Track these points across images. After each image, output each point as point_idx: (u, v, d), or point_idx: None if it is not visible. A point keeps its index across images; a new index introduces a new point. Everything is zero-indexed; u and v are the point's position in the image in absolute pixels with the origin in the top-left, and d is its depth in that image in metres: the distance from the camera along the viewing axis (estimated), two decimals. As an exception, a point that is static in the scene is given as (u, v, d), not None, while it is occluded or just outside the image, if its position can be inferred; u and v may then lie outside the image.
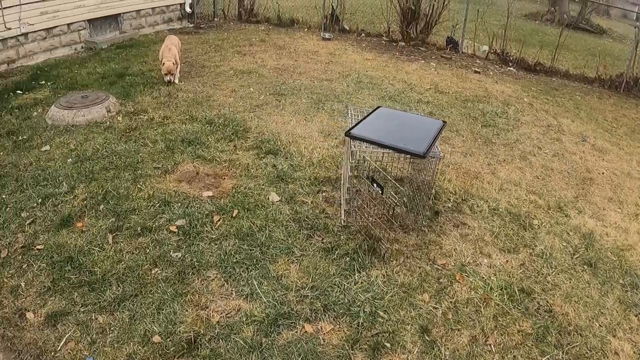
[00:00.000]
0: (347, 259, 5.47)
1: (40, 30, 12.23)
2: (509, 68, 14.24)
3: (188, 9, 16.05)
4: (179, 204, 6.14)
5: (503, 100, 11.03)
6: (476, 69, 13.45)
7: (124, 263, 5.28)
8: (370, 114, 6.03)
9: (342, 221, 5.91)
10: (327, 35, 14.98)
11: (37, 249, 5.51)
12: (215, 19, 16.91)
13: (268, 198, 6.42)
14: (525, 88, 12.35)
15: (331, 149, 7.78)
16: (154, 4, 15.30)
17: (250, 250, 5.53)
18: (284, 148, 7.57)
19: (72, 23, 13.04)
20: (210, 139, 7.75)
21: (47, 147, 7.54)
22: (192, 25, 15.95)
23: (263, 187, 6.59)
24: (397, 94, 10.25)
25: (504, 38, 14.72)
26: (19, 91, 9.78)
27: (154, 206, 6.08)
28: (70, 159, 7.19)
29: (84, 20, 13.32)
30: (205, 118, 8.37)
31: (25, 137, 7.94)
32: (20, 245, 5.58)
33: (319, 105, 9.29)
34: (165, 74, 9.84)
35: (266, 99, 9.38)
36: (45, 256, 5.41)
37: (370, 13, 16.64)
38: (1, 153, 7.45)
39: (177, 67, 10.01)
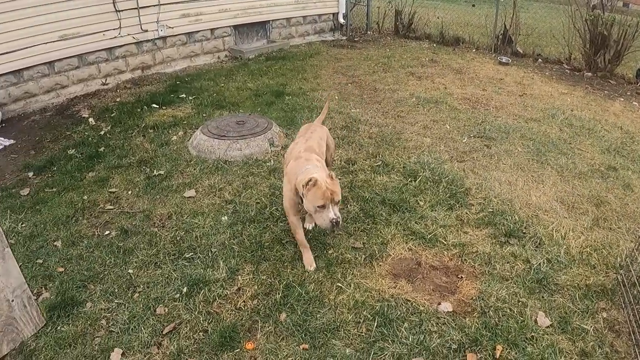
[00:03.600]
0: None
1: (181, 34, 10.71)
2: None
3: (342, 20, 14.21)
4: (407, 324, 3.91)
5: None
6: (683, 112, 10.53)
7: None
8: None
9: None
10: (504, 59, 12.58)
11: None
12: (369, 32, 14.89)
13: (535, 320, 4.03)
14: None
15: (587, 234, 5.28)
16: (306, 12, 13.53)
17: None
18: (526, 228, 5.26)
19: (216, 28, 11.43)
20: (421, 203, 5.56)
21: (193, 193, 5.56)
22: (345, 37, 14.00)
23: (521, 298, 4.26)
24: (621, 146, 7.70)
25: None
26: (154, 105, 7.91)
27: (367, 323, 3.89)
28: (226, 217, 5.14)
29: (229, 26, 11.66)
30: (403, 167, 6.26)
31: (162, 172, 6.04)
32: None
33: (540, 157, 6.87)
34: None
35: (472, 144, 7.13)
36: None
37: (548, 35, 14.00)
38: (129, 192, 5.50)
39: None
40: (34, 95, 9.13)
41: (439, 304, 4.12)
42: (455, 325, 3.91)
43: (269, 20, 12.53)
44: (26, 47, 8.72)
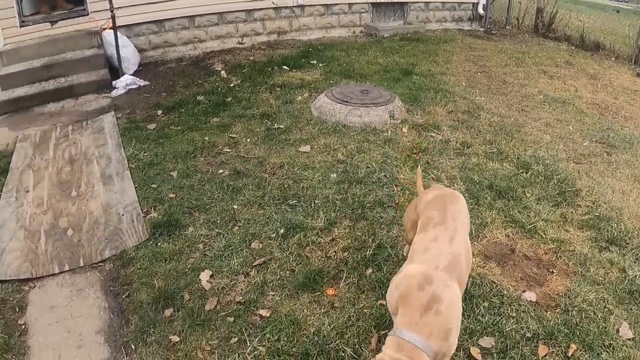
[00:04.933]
0: None
1: (319, 5, 10.89)
2: None
3: (481, 11, 13.94)
4: (487, 304, 3.92)
5: None
6: None
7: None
8: None
9: None
10: (643, 72, 11.93)
11: (260, 315, 3.69)
12: (507, 27, 14.58)
13: (617, 330, 3.88)
14: None
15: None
16: (446, -1, 13.07)
17: None
18: (630, 238, 5.00)
19: (354, 3, 11.51)
20: (527, 195, 5.48)
21: (308, 148, 5.79)
22: (482, 29, 13.77)
23: (609, 305, 4.09)
24: None
25: None
26: (285, 67, 8.25)
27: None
28: (335, 175, 5.33)
29: (367, 3, 11.74)
30: (517, 158, 6.19)
31: (282, 126, 6.35)
32: (238, 300, 3.82)
33: (663, 173, 6.48)
34: None
35: (592, 148, 6.96)
36: (269, 334, 3.53)
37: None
38: (248, 140, 5.86)
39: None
40: (172, 45, 9.65)
41: (524, 292, 4.09)
42: (534, 315, 3.87)
43: (408, 2, 12.50)
44: (170, 0, 9.16)
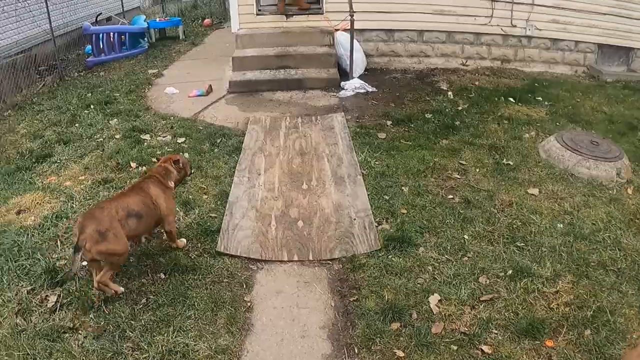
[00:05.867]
0: None
1: (545, 38, 10.77)
2: None
3: None
4: None
5: None
6: None
7: None
8: None
9: None
10: None
11: (482, 350, 3.82)
12: None
13: None
14: None
15: None
16: (673, 50, 12.36)
17: None
18: None
19: (580, 42, 11.22)
20: None
21: (536, 191, 5.87)
22: None
23: None
24: None
25: None
26: (511, 99, 8.21)
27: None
28: (561, 225, 5.33)
29: (594, 43, 11.35)
30: None
31: (511, 162, 6.42)
32: (463, 330, 4.02)
33: None
34: None
35: None
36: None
37: None
38: (477, 170, 6.09)
39: None
40: (398, 55, 10.07)
41: None
42: None
43: (635, 48, 12.00)
44: (401, 12, 9.70)
